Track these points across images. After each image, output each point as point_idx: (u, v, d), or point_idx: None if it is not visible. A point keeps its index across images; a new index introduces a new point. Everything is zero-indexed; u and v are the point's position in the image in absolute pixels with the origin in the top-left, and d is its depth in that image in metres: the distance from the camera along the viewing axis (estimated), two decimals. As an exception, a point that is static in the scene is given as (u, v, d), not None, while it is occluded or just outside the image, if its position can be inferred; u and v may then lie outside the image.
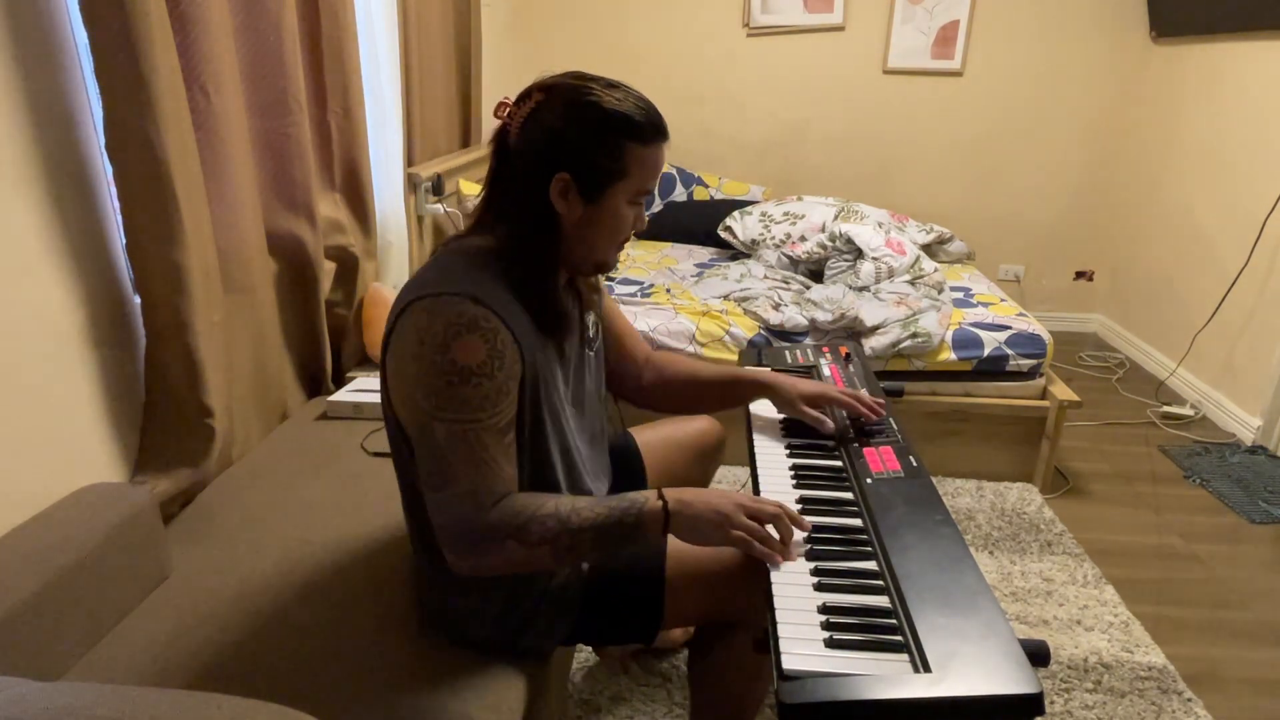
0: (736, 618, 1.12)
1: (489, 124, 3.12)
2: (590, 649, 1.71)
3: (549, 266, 1.07)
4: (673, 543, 1.14)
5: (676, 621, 1.16)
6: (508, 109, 1.05)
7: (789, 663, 0.83)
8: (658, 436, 1.48)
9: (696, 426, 1.52)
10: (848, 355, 1.64)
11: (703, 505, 1.01)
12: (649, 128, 1.03)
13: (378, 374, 1.93)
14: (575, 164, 1.01)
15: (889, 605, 0.92)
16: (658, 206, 3.74)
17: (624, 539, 1.01)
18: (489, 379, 0.96)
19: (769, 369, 1.42)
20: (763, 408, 1.43)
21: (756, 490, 1.18)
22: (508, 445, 1.01)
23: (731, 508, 1.01)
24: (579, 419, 1.21)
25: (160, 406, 1.38)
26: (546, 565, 1.03)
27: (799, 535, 1.03)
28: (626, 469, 1.42)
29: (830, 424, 1.31)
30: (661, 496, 1.02)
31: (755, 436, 1.34)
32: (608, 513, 1.00)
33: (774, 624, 0.89)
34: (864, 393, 1.35)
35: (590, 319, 1.23)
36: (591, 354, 1.24)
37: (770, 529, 1.02)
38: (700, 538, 1.02)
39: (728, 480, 2.45)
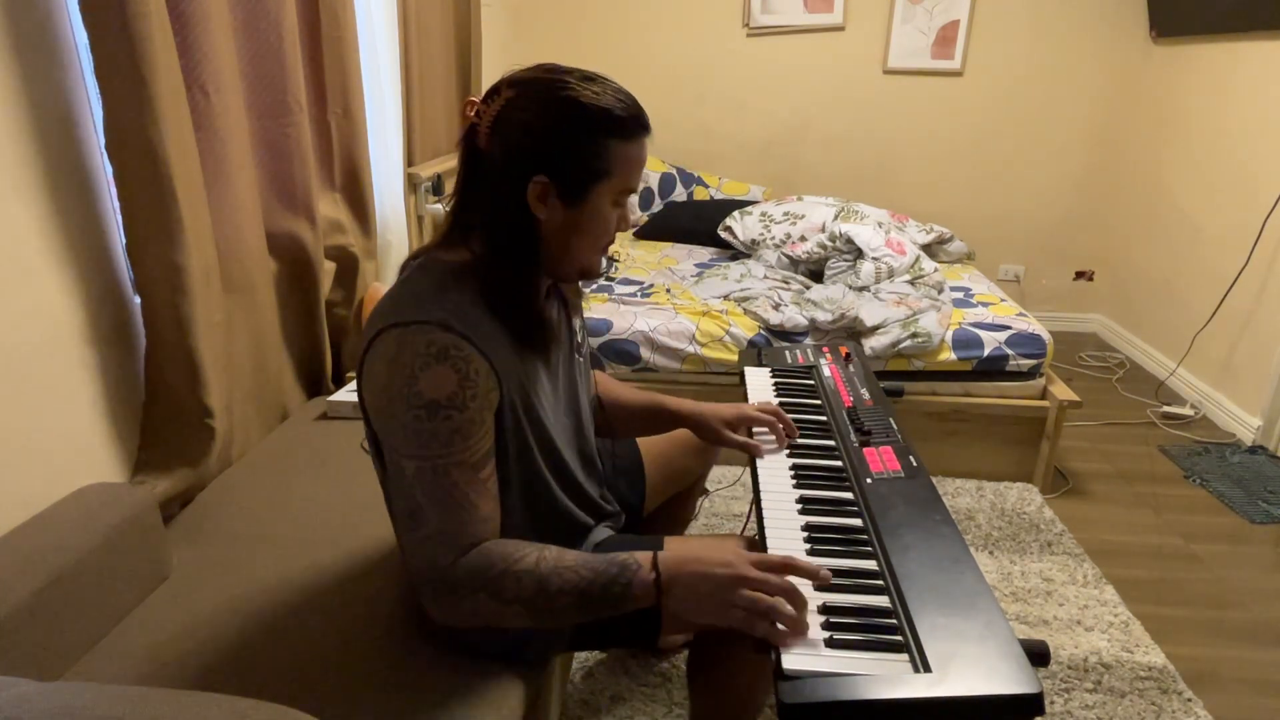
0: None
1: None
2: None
3: (528, 277, 1.01)
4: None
5: (676, 627, 1.14)
6: (476, 107, 0.98)
7: (789, 662, 0.83)
8: None
9: None
10: (848, 355, 1.64)
11: (701, 581, 0.91)
12: (631, 122, 0.97)
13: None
14: (554, 165, 0.95)
15: (889, 605, 0.92)
16: (657, 206, 3.74)
17: (609, 607, 0.93)
18: (460, 411, 0.91)
19: (691, 400, 1.32)
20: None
21: (757, 490, 1.17)
22: (484, 480, 0.95)
23: (732, 582, 0.89)
24: (571, 428, 1.17)
25: (160, 406, 1.38)
26: (523, 624, 0.95)
27: (810, 595, 0.91)
28: (626, 462, 1.41)
29: (760, 448, 1.25)
30: (656, 566, 0.92)
31: (755, 436, 1.34)
32: (593, 577, 0.92)
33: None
34: (780, 411, 1.29)
35: (578, 323, 1.20)
36: (581, 359, 1.21)
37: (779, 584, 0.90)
38: (698, 615, 0.92)
39: (727, 479, 2.45)
